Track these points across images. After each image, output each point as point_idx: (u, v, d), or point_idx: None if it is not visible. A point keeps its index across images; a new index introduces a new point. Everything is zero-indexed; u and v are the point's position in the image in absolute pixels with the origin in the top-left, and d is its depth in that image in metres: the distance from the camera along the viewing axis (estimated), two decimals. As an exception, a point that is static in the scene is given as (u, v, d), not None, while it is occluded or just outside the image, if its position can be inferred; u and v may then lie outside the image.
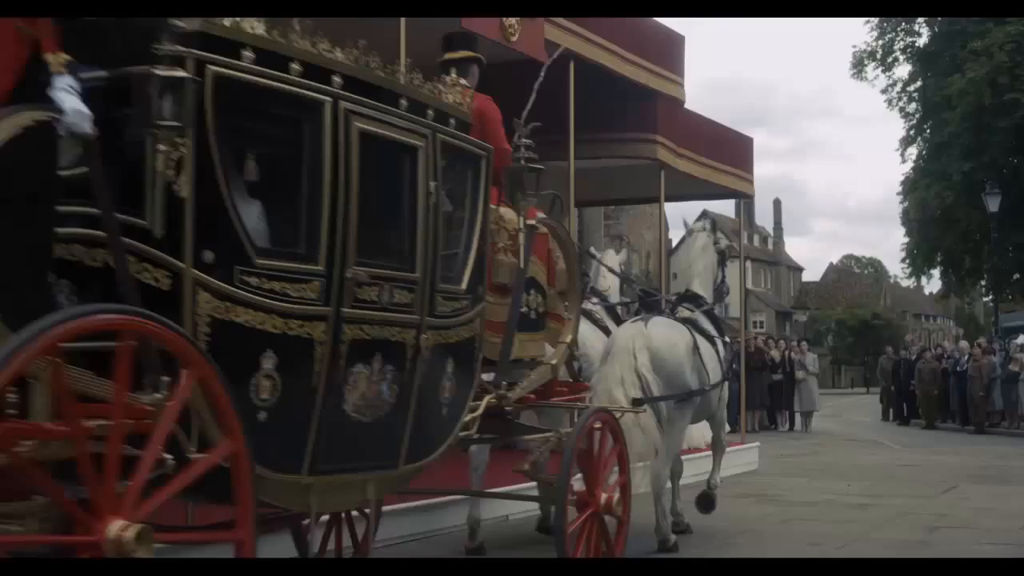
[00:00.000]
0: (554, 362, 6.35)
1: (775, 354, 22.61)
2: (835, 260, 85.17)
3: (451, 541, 7.27)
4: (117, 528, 3.25)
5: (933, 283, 46.46)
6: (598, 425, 5.79)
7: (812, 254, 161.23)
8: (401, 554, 6.18)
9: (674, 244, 14.07)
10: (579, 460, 5.60)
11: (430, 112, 4.93)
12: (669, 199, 12.30)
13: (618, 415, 6.12)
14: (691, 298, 7.86)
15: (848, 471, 12.90)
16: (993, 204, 26.08)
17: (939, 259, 39.72)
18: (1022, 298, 36.45)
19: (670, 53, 11.20)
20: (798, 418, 22.65)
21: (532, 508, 8.01)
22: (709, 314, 7.90)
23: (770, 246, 72.83)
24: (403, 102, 4.76)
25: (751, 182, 13.13)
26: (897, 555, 7.03)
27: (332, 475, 4.45)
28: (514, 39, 8.52)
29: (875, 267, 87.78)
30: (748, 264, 51.06)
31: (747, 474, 12.15)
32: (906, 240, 39.49)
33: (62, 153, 3.58)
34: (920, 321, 78.43)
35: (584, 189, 11.04)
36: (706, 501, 7.86)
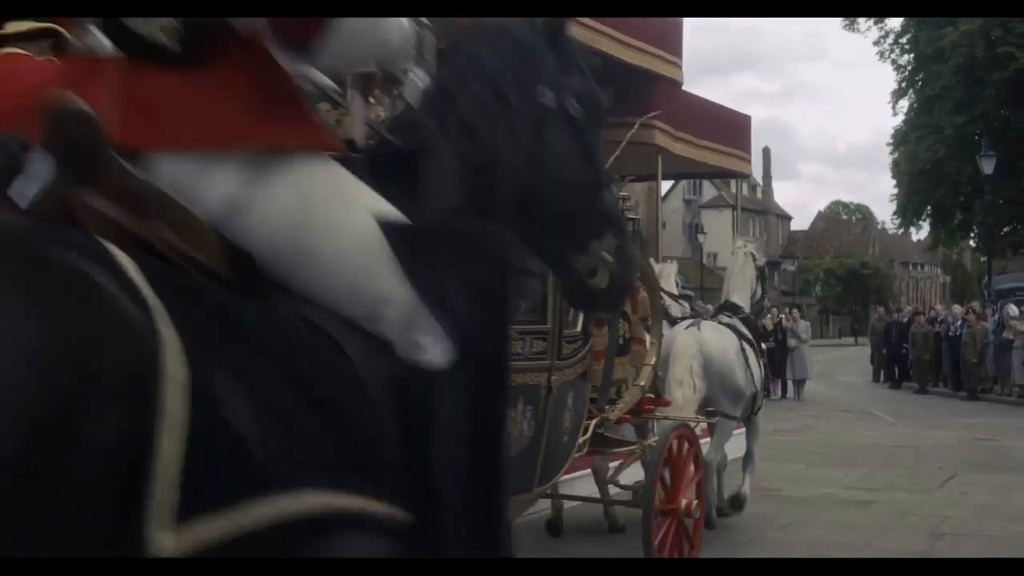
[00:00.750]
0: (643, 383, 7.10)
1: (767, 322, 22.47)
2: (823, 207, 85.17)
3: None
4: None
5: (921, 231, 46.59)
6: (677, 438, 6.45)
7: (800, 198, 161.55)
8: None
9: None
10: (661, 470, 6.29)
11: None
12: (666, 177, 12.14)
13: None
14: (730, 307, 8.51)
15: (844, 454, 12.78)
16: (988, 166, 25.88)
17: (928, 212, 39.64)
18: (1013, 253, 36.44)
19: (669, 34, 10.91)
20: (790, 386, 22.59)
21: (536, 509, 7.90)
22: (746, 322, 8.38)
23: (759, 194, 72.64)
24: None
25: (748, 161, 12.92)
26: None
27: (545, 485, 5.48)
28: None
29: (863, 213, 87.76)
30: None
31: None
32: (895, 191, 39.43)
33: None
34: (908, 269, 78.59)
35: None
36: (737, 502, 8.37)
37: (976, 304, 25.33)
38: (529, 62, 2.52)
